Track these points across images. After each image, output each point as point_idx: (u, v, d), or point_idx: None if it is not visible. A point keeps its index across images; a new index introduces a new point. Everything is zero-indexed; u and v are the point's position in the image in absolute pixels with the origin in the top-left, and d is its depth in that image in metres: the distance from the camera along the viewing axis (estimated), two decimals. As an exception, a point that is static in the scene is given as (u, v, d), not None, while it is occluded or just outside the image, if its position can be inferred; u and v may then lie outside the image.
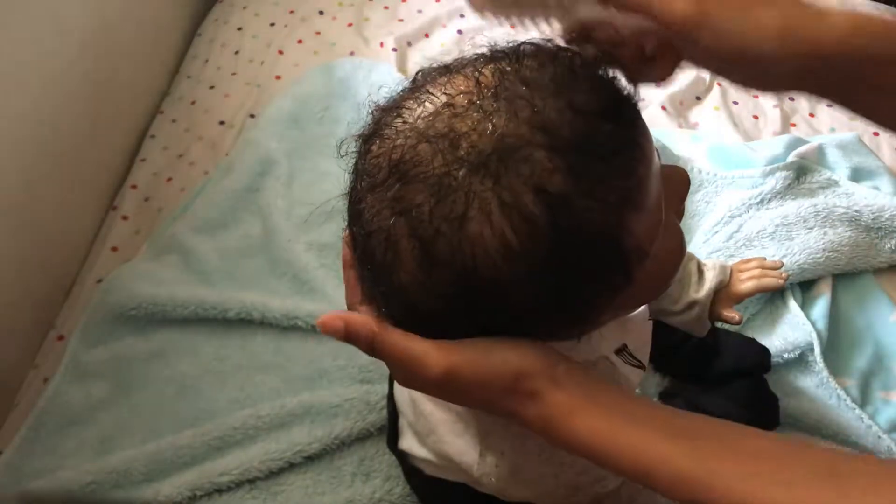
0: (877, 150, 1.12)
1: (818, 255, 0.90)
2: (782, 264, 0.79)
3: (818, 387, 0.84)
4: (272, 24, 1.38)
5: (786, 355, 0.85)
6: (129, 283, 0.92)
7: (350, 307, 0.46)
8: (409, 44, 1.36)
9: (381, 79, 1.20)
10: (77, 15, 1.06)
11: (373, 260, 0.42)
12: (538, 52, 0.42)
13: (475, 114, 0.39)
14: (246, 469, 0.77)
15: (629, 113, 0.42)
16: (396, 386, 0.66)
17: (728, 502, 0.37)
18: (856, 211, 0.95)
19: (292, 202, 1.05)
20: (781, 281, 0.76)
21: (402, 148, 0.40)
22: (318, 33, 1.37)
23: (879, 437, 0.79)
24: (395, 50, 1.32)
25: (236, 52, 1.33)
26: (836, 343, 0.88)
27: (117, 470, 0.77)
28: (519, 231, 0.38)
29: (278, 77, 1.28)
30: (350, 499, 0.76)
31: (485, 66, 0.41)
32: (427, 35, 1.38)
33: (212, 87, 1.27)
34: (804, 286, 0.92)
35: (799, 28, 0.40)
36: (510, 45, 0.43)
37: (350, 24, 1.39)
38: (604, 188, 0.39)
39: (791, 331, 0.87)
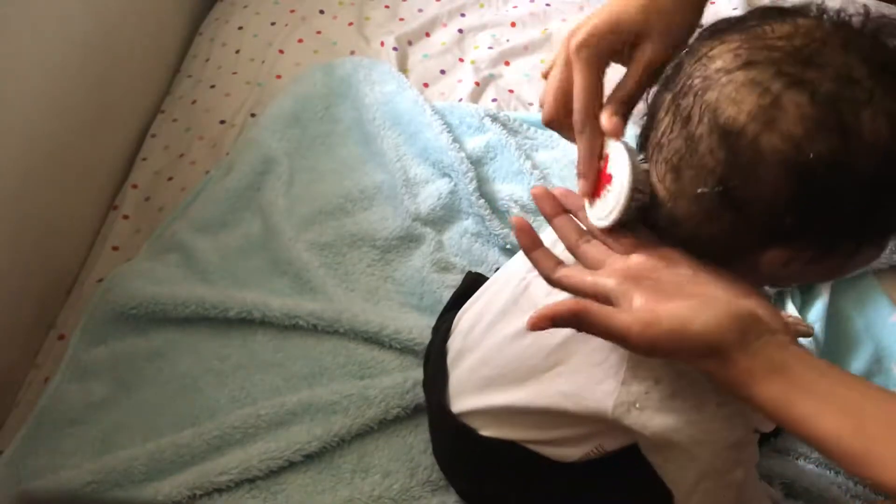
0: (877, 150, 1.12)
1: (817, 257, 0.90)
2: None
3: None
4: (273, 24, 1.38)
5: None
6: (129, 283, 0.92)
7: (547, 277, 0.54)
8: (410, 43, 1.36)
9: (381, 78, 1.20)
10: (78, 14, 1.06)
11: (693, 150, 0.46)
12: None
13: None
14: (245, 468, 0.77)
15: None
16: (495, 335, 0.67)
17: (885, 479, 0.42)
18: (856, 211, 0.95)
19: (293, 201, 1.05)
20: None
21: (809, 34, 0.45)
22: (319, 32, 1.37)
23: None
24: (395, 49, 1.32)
25: (237, 52, 1.33)
26: (835, 344, 0.88)
27: (117, 469, 0.77)
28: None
29: (279, 76, 1.28)
30: (349, 497, 0.77)
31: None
32: (428, 34, 1.38)
33: (212, 87, 1.27)
34: (803, 287, 0.92)
35: None
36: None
37: (351, 24, 1.39)
38: None
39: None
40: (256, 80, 1.28)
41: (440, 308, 0.86)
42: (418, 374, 0.82)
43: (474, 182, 1.03)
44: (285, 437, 0.79)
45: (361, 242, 0.99)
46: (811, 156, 0.43)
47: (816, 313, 0.89)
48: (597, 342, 0.56)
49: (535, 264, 0.55)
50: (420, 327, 0.86)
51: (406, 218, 1.00)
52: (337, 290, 0.93)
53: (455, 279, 0.92)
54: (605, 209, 0.54)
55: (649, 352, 0.48)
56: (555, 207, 0.56)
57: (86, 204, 1.08)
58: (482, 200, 1.02)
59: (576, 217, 0.57)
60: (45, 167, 0.98)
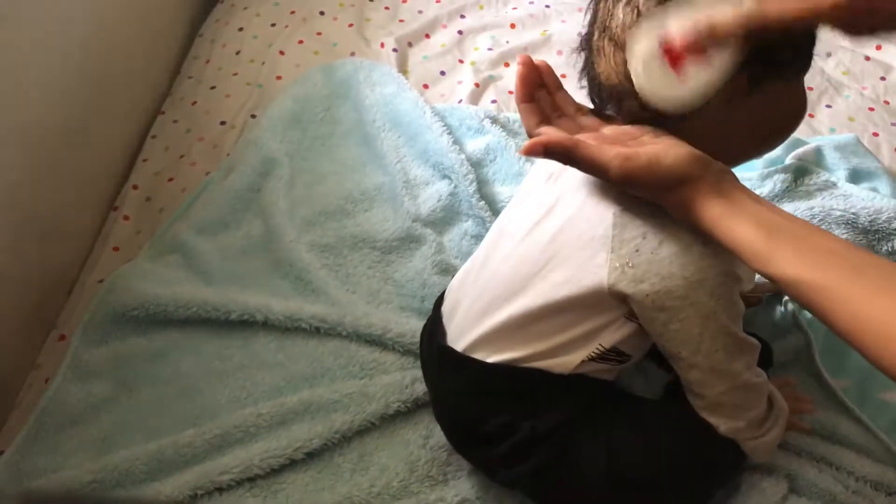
0: (876, 151, 1.12)
1: (816, 258, 0.91)
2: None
3: (816, 389, 0.84)
4: (273, 25, 1.39)
5: (783, 358, 0.85)
6: (130, 283, 0.92)
7: (529, 131, 0.60)
8: (410, 44, 1.36)
9: (381, 79, 1.21)
10: (79, 15, 1.06)
11: None
12: None
13: None
14: (246, 467, 0.77)
15: None
16: (491, 261, 0.72)
17: (780, 273, 0.51)
18: (853, 213, 0.95)
19: (294, 202, 1.05)
20: None
21: None
22: (319, 34, 1.38)
23: (878, 437, 0.80)
24: (395, 50, 1.33)
25: (237, 53, 1.33)
26: (834, 344, 0.88)
27: (119, 469, 0.77)
28: None
29: (279, 77, 1.29)
30: (348, 494, 0.77)
31: None
32: (427, 36, 1.38)
33: (213, 88, 1.27)
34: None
35: None
36: None
37: (351, 25, 1.39)
38: None
39: (788, 333, 0.88)
40: (257, 82, 1.28)
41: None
42: (418, 372, 0.82)
43: (474, 184, 1.03)
44: (286, 435, 0.80)
45: (362, 244, 0.99)
46: None
47: (815, 313, 0.89)
48: (582, 226, 0.62)
49: (521, 116, 0.61)
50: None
51: (406, 219, 1.01)
52: (339, 291, 0.94)
53: (455, 281, 0.92)
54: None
55: (627, 182, 0.56)
56: (536, 80, 0.63)
57: (86, 205, 1.08)
58: (482, 202, 1.02)
59: (553, 96, 0.64)
60: (45, 168, 0.98)
